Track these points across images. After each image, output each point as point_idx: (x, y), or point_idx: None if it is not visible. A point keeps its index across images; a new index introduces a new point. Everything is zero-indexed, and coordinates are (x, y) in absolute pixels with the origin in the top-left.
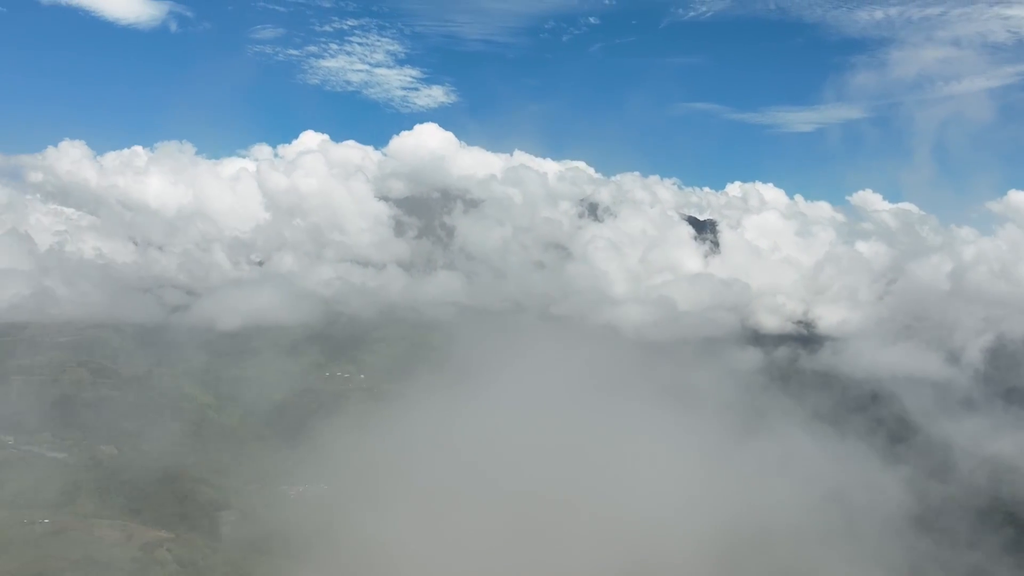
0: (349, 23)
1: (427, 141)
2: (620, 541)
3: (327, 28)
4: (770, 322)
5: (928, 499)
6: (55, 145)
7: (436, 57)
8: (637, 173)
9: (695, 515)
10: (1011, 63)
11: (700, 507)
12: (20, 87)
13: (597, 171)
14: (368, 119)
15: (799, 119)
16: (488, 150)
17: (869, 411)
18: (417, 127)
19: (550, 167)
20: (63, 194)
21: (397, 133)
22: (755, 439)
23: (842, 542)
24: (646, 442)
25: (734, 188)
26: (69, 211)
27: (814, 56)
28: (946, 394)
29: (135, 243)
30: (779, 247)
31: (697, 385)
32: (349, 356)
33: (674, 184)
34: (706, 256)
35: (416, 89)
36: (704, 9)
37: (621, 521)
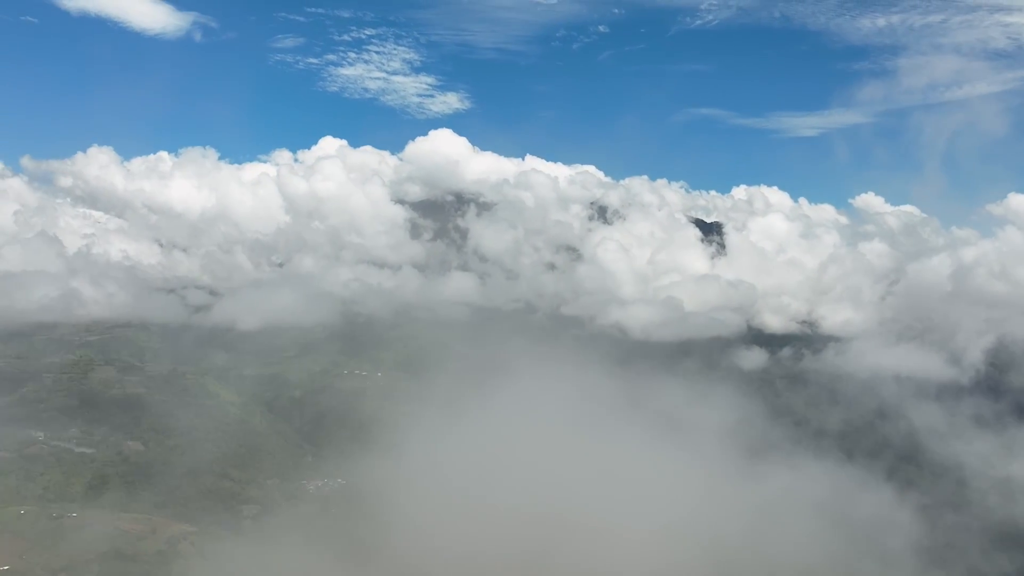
0: (367, 32)
1: (442, 146)
2: (616, 555)
3: (345, 37)
4: (775, 322)
5: (938, 523)
6: (84, 151)
7: (451, 65)
8: (645, 177)
9: (693, 541)
10: (1011, 69)
11: (700, 532)
12: (51, 95)
13: (606, 175)
14: (385, 125)
15: (803, 124)
16: (501, 155)
17: (876, 428)
18: (432, 133)
19: (561, 171)
20: (91, 198)
21: (413, 139)
22: (759, 462)
23: (848, 569)
24: (648, 461)
25: (740, 191)
26: (97, 214)
27: (818, 63)
28: (955, 410)
29: (160, 245)
30: (784, 249)
31: (702, 401)
32: (366, 355)
33: (681, 187)
34: (712, 258)
35: (431, 96)
36: (711, 18)
37: (618, 535)
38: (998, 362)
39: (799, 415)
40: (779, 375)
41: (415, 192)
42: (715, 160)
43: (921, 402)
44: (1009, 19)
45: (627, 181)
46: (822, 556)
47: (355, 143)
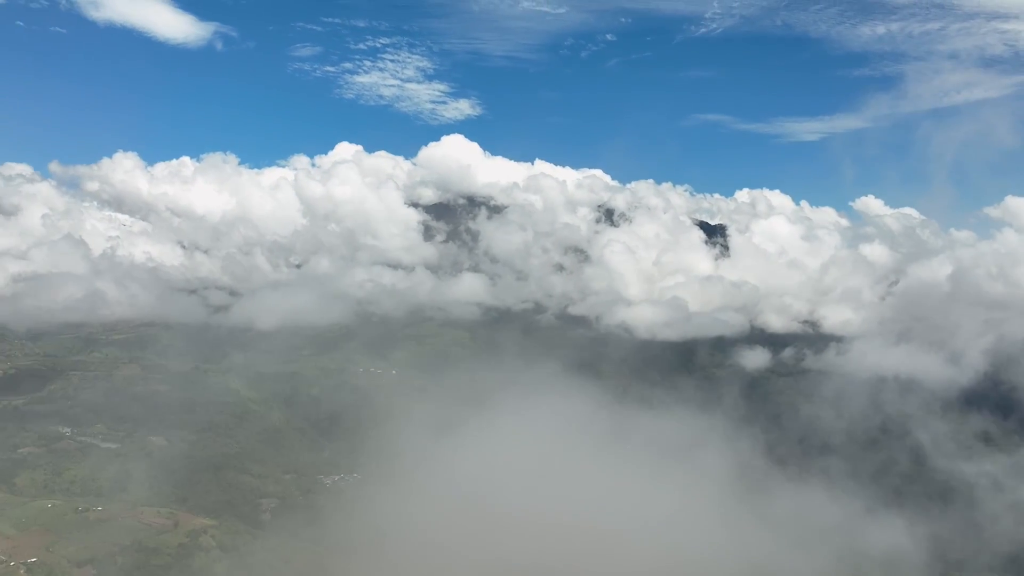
0: (382, 41)
1: (454, 151)
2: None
3: (361, 46)
4: (777, 322)
5: (948, 549)
6: (110, 156)
7: (463, 73)
8: (651, 180)
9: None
10: (1009, 74)
11: (696, 553)
12: (78, 103)
13: (613, 179)
14: (399, 131)
15: (805, 129)
16: (511, 159)
17: (878, 435)
18: (445, 138)
19: (569, 175)
20: (117, 202)
21: (426, 144)
22: (761, 482)
23: None
24: (648, 473)
25: (743, 194)
26: (122, 217)
27: (819, 69)
28: (955, 413)
29: (182, 247)
30: (786, 250)
31: (705, 409)
32: (381, 353)
33: (686, 191)
34: (716, 259)
35: (444, 103)
36: (715, 26)
37: (618, 550)
38: (999, 366)
39: (801, 423)
40: (781, 374)
41: (428, 196)
42: (719, 164)
43: (921, 404)
44: (1006, 26)
45: (633, 185)
46: None
47: (370, 148)
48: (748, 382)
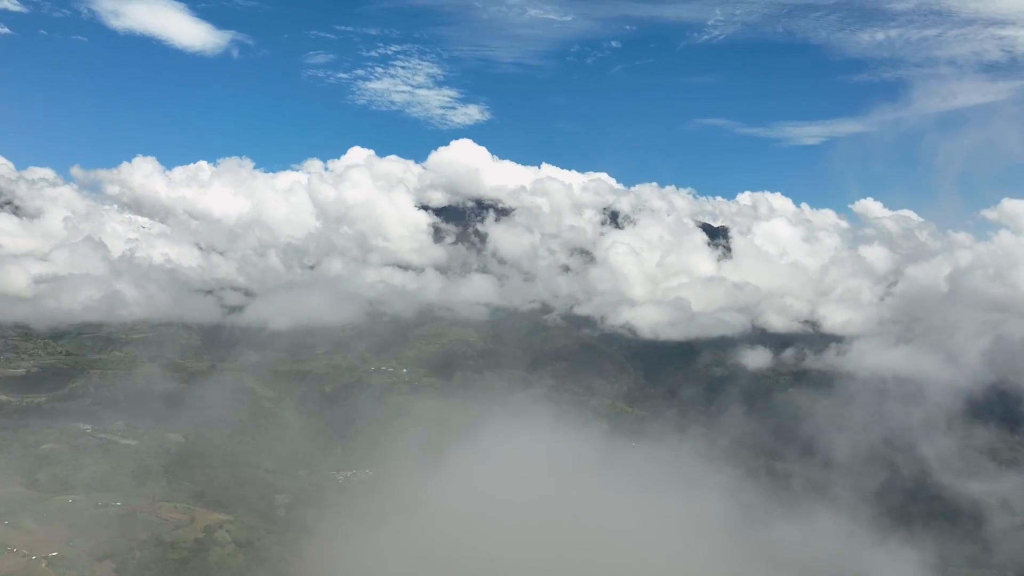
0: (393, 49)
1: (463, 155)
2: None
3: (373, 53)
4: (778, 322)
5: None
6: (129, 160)
7: (472, 79)
8: (655, 183)
9: None
10: (1005, 79)
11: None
12: (99, 109)
13: (618, 182)
14: (410, 135)
15: (805, 133)
16: (518, 163)
17: (882, 453)
18: (454, 143)
19: (575, 178)
20: (136, 205)
21: (436, 148)
22: (764, 503)
23: None
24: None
25: (745, 197)
26: (141, 220)
27: (819, 74)
28: (967, 435)
29: (200, 249)
30: (787, 252)
31: (706, 415)
32: (392, 352)
33: (689, 193)
34: (719, 260)
35: (453, 108)
36: (717, 33)
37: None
38: (1003, 374)
39: (801, 428)
40: (782, 373)
41: (438, 199)
42: (721, 167)
43: (919, 405)
44: (1003, 32)
45: (637, 188)
46: None
47: (381, 153)
48: (750, 381)
